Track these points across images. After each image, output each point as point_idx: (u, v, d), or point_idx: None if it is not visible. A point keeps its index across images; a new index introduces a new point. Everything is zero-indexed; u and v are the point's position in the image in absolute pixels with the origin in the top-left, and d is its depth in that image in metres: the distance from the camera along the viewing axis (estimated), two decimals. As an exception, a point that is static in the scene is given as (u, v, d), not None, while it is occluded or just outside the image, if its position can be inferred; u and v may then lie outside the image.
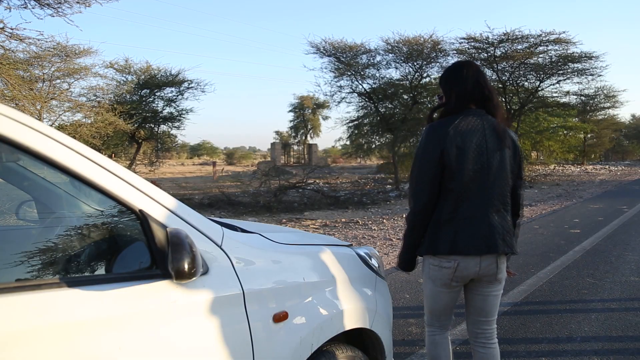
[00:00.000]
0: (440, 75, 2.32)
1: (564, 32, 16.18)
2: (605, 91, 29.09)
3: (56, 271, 1.28)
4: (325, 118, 45.22)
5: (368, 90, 18.50)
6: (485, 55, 17.27)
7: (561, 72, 17.98)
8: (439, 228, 2.11)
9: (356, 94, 19.26)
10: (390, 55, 17.62)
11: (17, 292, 1.08)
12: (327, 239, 2.30)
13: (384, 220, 9.92)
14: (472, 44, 17.10)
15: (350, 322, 1.90)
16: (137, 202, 1.31)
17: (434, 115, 2.28)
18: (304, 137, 46.46)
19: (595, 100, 29.42)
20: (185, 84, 18.21)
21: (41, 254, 1.29)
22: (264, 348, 1.52)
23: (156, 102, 18.45)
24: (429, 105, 21.36)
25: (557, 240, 7.27)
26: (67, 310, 1.13)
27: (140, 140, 18.81)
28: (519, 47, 16.71)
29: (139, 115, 17.32)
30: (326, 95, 20.82)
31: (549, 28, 20.22)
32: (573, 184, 20.19)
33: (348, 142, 27.23)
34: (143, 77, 17.56)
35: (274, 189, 13.35)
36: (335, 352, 1.83)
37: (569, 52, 16.98)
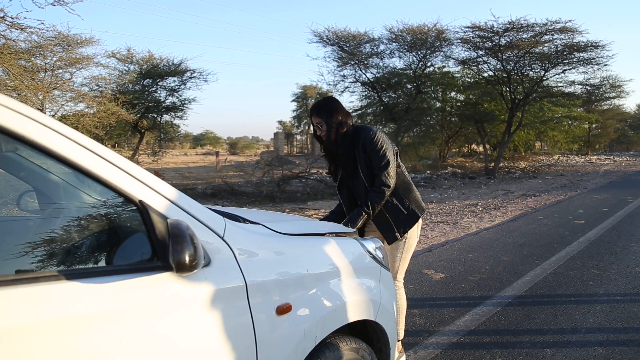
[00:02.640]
0: (328, 105, 2.84)
1: (569, 20, 16.02)
2: (610, 81, 28.88)
3: (55, 263, 1.25)
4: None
5: (371, 79, 18.42)
6: (490, 44, 17.11)
7: (566, 61, 17.78)
8: (414, 192, 2.85)
9: (359, 84, 19.19)
10: (394, 44, 17.54)
11: (15, 285, 1.05)
12: (332, 227, 2.28)
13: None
14: (477, 33, 16.93)
15: (355, 314, 1.88)
16: (137, 192, 1.29)
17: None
18: (307, 127, 46.33)
19: (601, 90, 29.20)
20: (188, 74, 18.18)
21: (40, 246, 1.26)
22: (267, 340, 1.50)
23: (159, 92, 18.44)
24: (433, 95, 21.33)
25: (562, 231, 7.24)
26: (66, 303, 1.10)
27: (143, 130, 18.82)
28: (524, 36, 16.54)
29: (142, 105, 17.32)
30: (329, 84, 20.73)
31: (554, 17, 19.97)
32: (577, 174, 20.11)
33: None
34: (145, 66, 17.52)
35: (277, 179, 13.32)
36: (339, 344, 1.82)
37: (574, 41, 16.79)
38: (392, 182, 2.71)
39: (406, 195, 2.81)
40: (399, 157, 2.87)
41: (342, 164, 2.84)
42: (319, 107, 2.80)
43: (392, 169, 2.71)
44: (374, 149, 2.70)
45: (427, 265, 5.37)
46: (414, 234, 2.86)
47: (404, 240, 2.80)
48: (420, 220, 2.88)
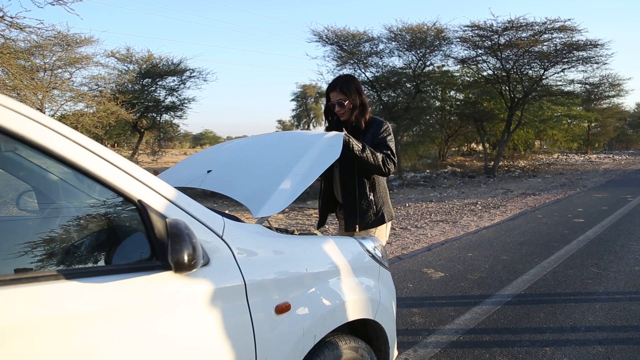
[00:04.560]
0: (354, 83, 2.78)
1: (569, 19, 16.02)
2: (610, 80, 28.83)
3: (55, 263, 1.25)
4: (328, 107, 44.85)
5: (371, 78, 18.39)
6: (489, 43, 17.09)
7: (566, 60, 17.75)
8: (388, 199, 2.88)
9: (359, 83, 19.14)
10: (393, 43, 17.49)
11: (15, 285, 1.06)
12: (321, 144, 2.27)
13: (387, 210, 9.89)
14: (476, 32, 16.90)
15: (354, 313, 1.88)
16: (136, 192, 1.29)
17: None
18: (306, 126, 46.31)
19: (600, 88, 29.16)
20: (187, 73, 18.19)
21: (40, 245, 1.26)
22: (267, 340, 1.50)
23: (158, 92, 18.44)
24: (432, 94, 21.32)
25: (561, 230, 7.24)
26: (66, 302, 1.11)
27: (142, 130, 18.82)
28: (524, 35, 16.51)
29: (141, 105, 17.31)
30: (329, 83, 20.67)
31: (554, 16, 19.99)
32: (577, 173, 20.11)
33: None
34: (145, 66, 17.50)
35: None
36: (338, 343, 1.82)
37: (574, 40, 16.76)
38: (392, 167, 2.68)
39: (382, 198, 2.82)
40: None
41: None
42: (346, 84, 2.73)
43: (394, 160, 2.70)
44: (383, 140, 2.71)
45: (426, 264, 5.38)
46: (383, 233, 2.86)
47: (371, 231, 2.81)
48: (390, 224, 2.91)
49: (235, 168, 2.37)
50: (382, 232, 2.87)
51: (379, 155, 2.62)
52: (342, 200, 2.83)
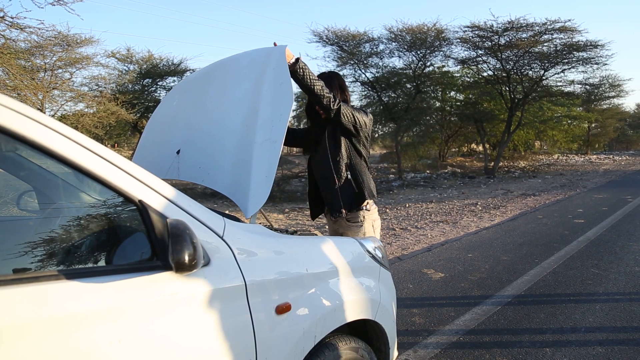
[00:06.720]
0: (337, 80, 2.76)
1: (569, 20, 16.04)
2: (610, 80, 28.84)
3: (55, 263, 1.25)
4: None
5: (371, 79, 18.40)
6: (490, 43, 17.09)
7: (566, 60, 17.75)
8: (369, 178, 2.74)
9: (359, 83, 19.17)
10: (393, 44, 17.50)
11: (15, 285, 1.06)
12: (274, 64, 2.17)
13: (387, 210, 9.90)
14: (476, 32, 16.91)
15: (354, 313, 1.88)
16: (137, 192, 1.29)
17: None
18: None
19: (600, 89, 29.19)
20: (188, 73, 18.17)
21: (40, 245, 1.26)
22: (267, 340, 1.50)
23: (158, 92, 18.44)
24: (433, 95, 21.34)
25: (561, 231, 7.24)
26: (66, 302, 1.11)
27: (142, 130, 18.79)
28: (524, 35, 16.52)
29: (142, 105, 17.32)
30: (329, 84, 20.61)
31: (554, 16, 20.00)
32: (577, 173, 20.11)
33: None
34: (145, 66, 17.51)
35: (277, 179, 13.33)
36: (338, 344, 1.82)
37: (574, 40, 16.77)
38: (336, 106, 2.52)
39: (361, 175, 2.69)
40: (367, 142, 2.79)
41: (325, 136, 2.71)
42: (328, 80, 2.64)
43: (349, 111, 2.59)
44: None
45: (426, 264, 5.38)
46: (367, 223, 2.73)
47: (361, 228, 2.70)
48: (376, 212, 2.80)
49: (200, 144, 2.29)
50: (367, 218, 2.74)
51: (325, 89, 2.46)
52: (320, 187, 2.73)
